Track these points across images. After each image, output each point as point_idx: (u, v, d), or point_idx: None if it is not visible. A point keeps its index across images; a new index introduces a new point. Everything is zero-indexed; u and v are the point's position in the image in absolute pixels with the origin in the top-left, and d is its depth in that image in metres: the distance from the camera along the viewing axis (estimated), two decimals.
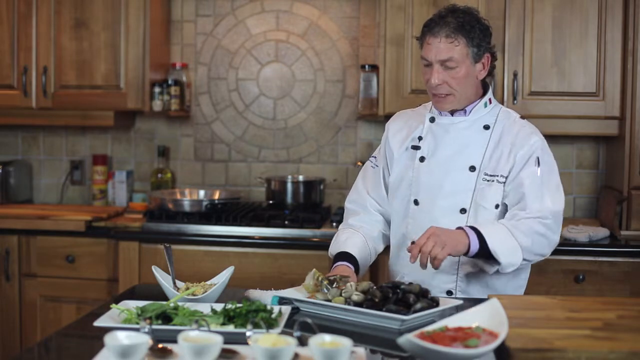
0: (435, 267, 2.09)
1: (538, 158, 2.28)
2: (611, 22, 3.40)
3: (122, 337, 1.48)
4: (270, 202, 3.78)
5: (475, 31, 2.26)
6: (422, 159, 2.37)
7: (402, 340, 1.53)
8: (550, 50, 3.44)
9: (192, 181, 4.11)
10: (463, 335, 1.58)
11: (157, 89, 3.85)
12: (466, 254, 2.15)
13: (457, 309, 1.94)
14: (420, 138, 2.40)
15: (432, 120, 2.39)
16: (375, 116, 3.72)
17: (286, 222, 3.48)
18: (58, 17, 3.76)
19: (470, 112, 2.34)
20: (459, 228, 2.17)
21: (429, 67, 2.28)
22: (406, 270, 2.38)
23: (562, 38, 3.44)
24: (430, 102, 2.40)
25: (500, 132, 2.33)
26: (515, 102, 3.45)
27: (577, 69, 3.44)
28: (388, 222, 2.48)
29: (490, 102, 2.37)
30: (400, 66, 3.52)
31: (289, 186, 3.77)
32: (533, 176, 2.27)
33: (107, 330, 1.63)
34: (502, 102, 3.44)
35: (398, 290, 1.95)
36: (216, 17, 4.06)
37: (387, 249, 2.53)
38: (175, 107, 3.92)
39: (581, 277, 3.25)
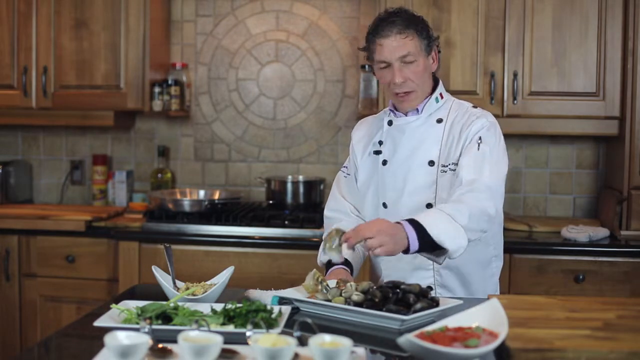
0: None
1: (480, 137, 2.26)
2: (611, 22, 3.40)
3: (122, 337, 1.48)
4: (270, 202, 3.78)
5: (422, 24, 2.29)
6: (384, 163, 2.39)
7: (402, 340, 1.53)
8: (550, 50, 3.44)
9: (192, 181, 4.11)
10: (463, 335, 1.58)
11: (157, 89, 3.85)
12: (406, 252, 2.04)
13: (457, 308, 1.94)
14: (380, 142, 2.42)
15: (390, 123, 2.41)
16: None
17: (286, 222, 3.48)
18: (58, 17, 3.76)
19: (423, 109, 2.35)
20: (399, 223, 2.05)
21: (386, 69, 2.29)
22: (385, 272, 2.41)
23: (562, 38, 3.44)
24: (389, 107, 2.43)
25: (452, 122, 2.34)
26: (515, 102, 3.45)
27: (577, 69, 3.44)
28: None
29: (442, 97, 2.38)
30: None
31: (289, 186, 3.77)
32: (472, 152, 2.24)
33: (107, 330, 1.63)
34: (502, 102, 3.45)
35: (398, 290, 1.95)
36: (216, 17, 4.05)
37: None
38: (175, 107, 3.92)
39: (581, 277, 3.25)
